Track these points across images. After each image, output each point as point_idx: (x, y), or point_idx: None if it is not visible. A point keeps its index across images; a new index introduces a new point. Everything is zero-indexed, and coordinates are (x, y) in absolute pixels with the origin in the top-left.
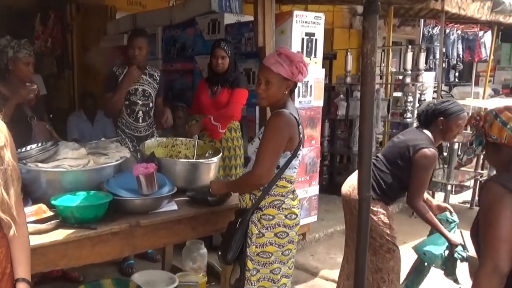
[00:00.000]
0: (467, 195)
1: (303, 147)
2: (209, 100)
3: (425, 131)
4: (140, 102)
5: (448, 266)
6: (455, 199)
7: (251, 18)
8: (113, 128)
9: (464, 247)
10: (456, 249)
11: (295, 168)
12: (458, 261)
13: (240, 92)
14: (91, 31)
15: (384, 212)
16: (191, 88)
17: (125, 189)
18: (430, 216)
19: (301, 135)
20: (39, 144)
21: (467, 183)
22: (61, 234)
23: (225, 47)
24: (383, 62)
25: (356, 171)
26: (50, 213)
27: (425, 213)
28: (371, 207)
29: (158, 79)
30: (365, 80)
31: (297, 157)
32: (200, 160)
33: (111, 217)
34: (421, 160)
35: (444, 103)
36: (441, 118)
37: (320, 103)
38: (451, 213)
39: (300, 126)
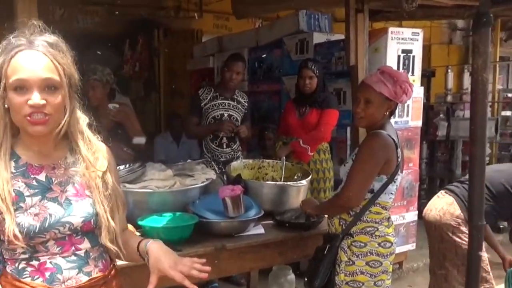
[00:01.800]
0: None
1: (401, 172)
2: (297, 121)
3: None
4: None
5: None
6: None
7: (342, 37)
8: (199, 149)
9: None
10: None
11: (392, 193)
12: None
13: (330, 113)
14: (178, 55)
15: None
16: (278, 109)
17: (210, 211)
18: None
19: (399, 159)
20: (127, 165)
21: None
22: None
23: (313, 67)
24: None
25: (436, 195)
26: (136, 234)
27: None
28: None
29: (246, 104)
30: (476, 98)
31: (394, 182)
32: (289, 183)
33: (196, 239)
34: None
35: None
36: None
37: (418, 123)
38: None
39: (399, 149)
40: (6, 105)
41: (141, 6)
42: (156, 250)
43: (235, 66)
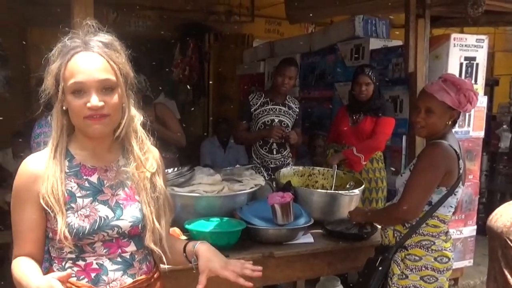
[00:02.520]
0: None
1: (463, 184)
2: (350, 129)
3: None
4: None
5: None
6: None
7: (400, 43)
8: (245, 155)
9: None
10: None
11: (451, 207)
12: None
13: (387, 122)
14: (228, 59)
15: None
16: (329, 116)
17: (258, 218)
18: None
19: (461, 171)
20: (175, 169)
21: None
22: None
23: (370, 73)
24: None
25: (508, 203)
26: (183, 237)
27: None
28: None
29: (298, 110)
30: None
31: (455, 194)
32: (340, 192)
33: (243, 245)
34: None
35: None
36: None
37: (480, 134)
38: None
39: (461, 161)
40: (64, 107)
41: (193, 11)
42: (206, 250)
43: (287, 71)
